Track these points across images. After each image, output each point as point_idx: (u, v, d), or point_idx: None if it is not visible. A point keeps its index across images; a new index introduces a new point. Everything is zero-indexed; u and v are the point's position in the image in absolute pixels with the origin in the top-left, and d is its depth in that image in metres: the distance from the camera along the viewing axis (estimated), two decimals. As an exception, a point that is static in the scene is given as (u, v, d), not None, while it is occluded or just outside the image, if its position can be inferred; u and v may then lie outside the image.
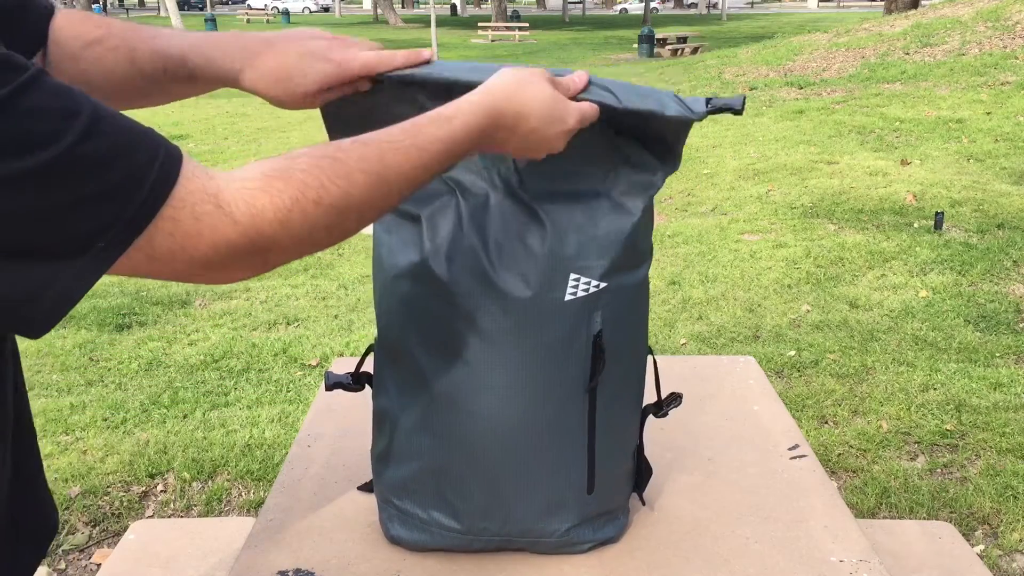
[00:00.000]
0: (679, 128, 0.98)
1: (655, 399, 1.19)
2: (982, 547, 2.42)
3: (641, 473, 1.19)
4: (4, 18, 0.85)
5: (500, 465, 1.03)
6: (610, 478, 1.09)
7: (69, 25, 0.91)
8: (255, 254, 0.70)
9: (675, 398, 1.19)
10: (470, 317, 0.98)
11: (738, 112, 0.94)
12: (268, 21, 43.15)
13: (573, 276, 0.97)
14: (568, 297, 0.97)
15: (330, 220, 0.73)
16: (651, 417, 1.19)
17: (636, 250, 1.01)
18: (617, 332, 1.01)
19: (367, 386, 1.14)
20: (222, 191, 0.68)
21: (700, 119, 0.95)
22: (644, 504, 1.21)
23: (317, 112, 1.02)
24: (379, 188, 0.76)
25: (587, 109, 0.92)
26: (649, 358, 1.13)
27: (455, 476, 1.04)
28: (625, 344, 1.03)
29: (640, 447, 1.18)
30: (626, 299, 1.01)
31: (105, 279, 4.80)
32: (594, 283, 0.98)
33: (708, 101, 0.96)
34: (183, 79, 0.96)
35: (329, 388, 1.15)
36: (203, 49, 0.95)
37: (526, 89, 0.87)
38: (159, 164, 0.65)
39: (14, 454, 0.83)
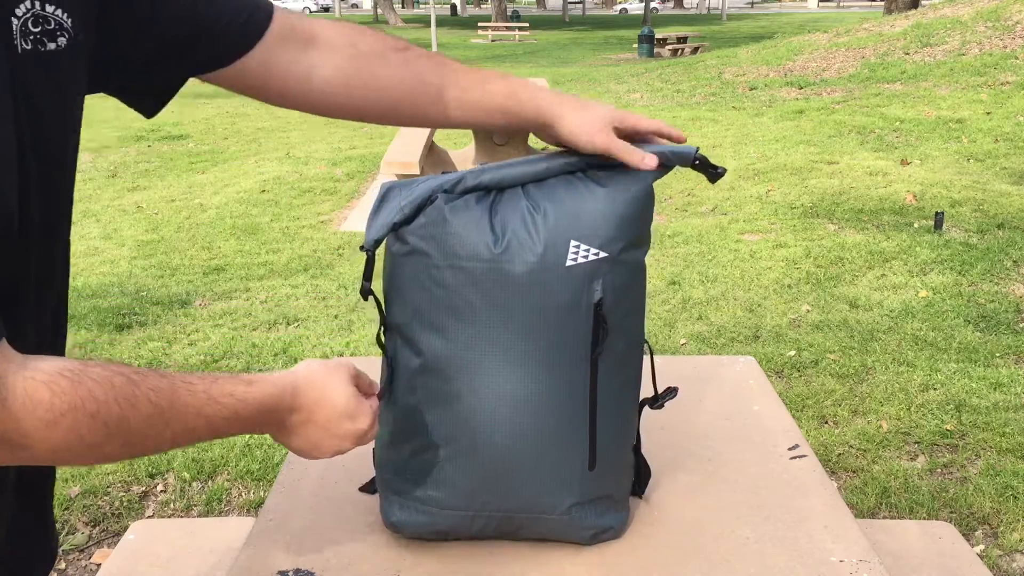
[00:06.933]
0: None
1: (652, 398, 1.20)
2: (982, 547, 2.42)
3: (640, 475, 1.20)
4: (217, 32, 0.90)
5: (502, 436, 1.04)
6: (611, 459, 1.10)
7: (359, 33, 1.01)
8: (6, 445, 0.67)
9: (671, 391, 1.20)
10: (472, 285, 1.01)
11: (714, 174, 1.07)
12: (268, 21, 43.03)
13: (574, 242, 1.00)
14: (569, 262, 1.00)
15: (97, 438, 0.70)
16: (651, 418, 1.19)
17: (635, 228, 1.04)
18: (617, 306, 1.04)
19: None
20: (8, 375, 0.66)
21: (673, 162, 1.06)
22: (644, 501, 1.21)
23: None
24: (156, 424, 0.74)
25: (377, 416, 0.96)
26: (645, 358, 1.14)
27: (456, 449, 1.05)
28: (624, 320, 1.06)
29: (638, 447, 1.19)
30: (625, 274, 1.04)
31: (105, 278, 4.80)
32: (593, 251, 1.01)
33: (695, 154, 1.06)
34: (501, 96, 1.05)
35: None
36: (521, 79, 1.08)
37: (330, 381, 0.90)
38: None
39: (17, 489, 0.84)
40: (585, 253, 1.01)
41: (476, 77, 1.05)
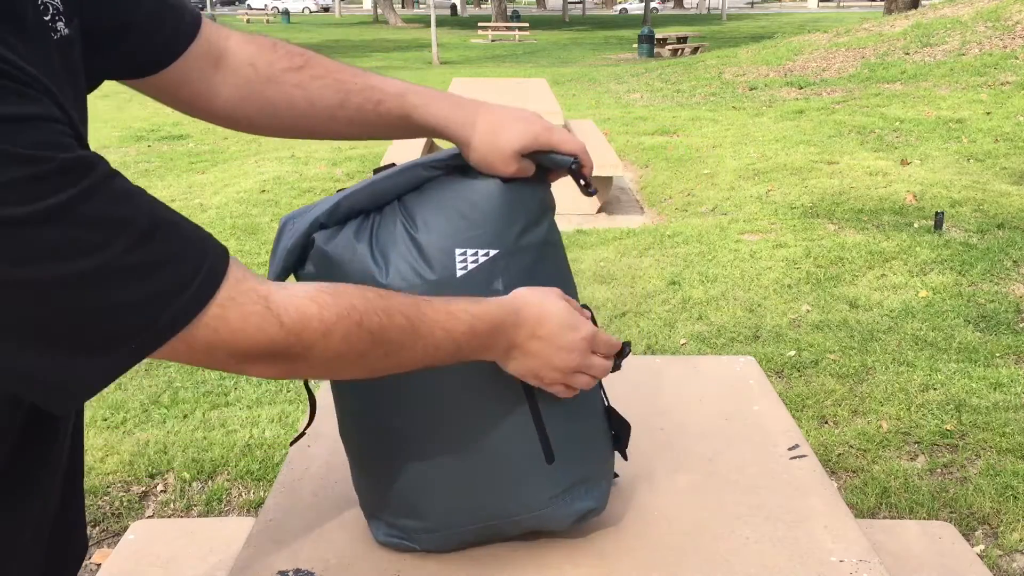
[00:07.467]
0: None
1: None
2: (982, 547, 2.42)
3: (620, 433, 1.16)
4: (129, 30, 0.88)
5: (448, 454, 1.02)
6: (572, 444, 1.07)
7: (259, 51, 0.99)
8: (291, 359, 0.73)
9: (625, 347, 1.17)
10: None
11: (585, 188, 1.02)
12: (268, 21, 43.12)
13: (459, 251, 0.97)
14: (460, 273, 0.97)
15: (365, 346, 0.76)
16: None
17: (527, 209, 1.01)
18: None
19: None
20: (272, 294, 0.71)
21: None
22: (644, 501, 1.21)
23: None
24: (410, 335, 0.80)
25: (604, 336, 0.98)
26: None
27: (411, 478, 1.04)
28: None
29: (609, 410, 1.15)
30: (529, 258, 1.01)
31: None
32: (482, 252, 0.98)
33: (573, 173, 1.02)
34: (394, 117, 1.01)
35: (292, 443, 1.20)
36: (422, 93, 1.02)
37: (546, 298, 0.95)
38: (204, 271, 0.67)
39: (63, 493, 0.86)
40: (474, 257, 0.97)
41: (371, 97, 1.01)
